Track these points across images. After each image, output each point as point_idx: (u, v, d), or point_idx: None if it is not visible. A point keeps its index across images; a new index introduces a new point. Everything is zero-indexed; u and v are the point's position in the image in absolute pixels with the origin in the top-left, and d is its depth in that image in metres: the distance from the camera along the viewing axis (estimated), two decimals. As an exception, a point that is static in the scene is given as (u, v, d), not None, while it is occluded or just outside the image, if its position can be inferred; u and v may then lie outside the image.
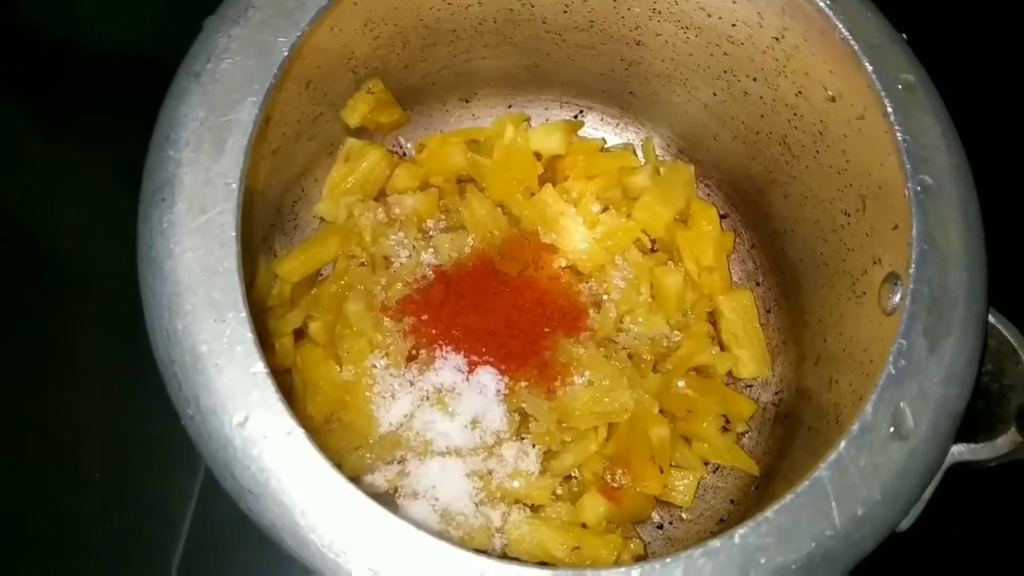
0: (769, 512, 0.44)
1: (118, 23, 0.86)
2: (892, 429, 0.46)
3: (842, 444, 0.45)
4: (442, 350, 0.65)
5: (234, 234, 0.46)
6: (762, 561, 0.43)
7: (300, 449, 0.43)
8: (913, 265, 0.49)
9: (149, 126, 0.50)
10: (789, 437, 0.67)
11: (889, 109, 0.52)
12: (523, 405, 0.65)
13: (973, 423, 0.49)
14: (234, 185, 0.47)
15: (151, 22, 0.86)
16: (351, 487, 0.43)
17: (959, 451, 0.48)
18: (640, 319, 0.70)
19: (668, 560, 0.43)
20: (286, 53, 0.50)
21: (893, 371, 0.47)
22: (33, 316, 0.76)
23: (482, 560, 0.42)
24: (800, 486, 0.45)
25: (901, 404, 0.46)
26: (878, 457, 0.45)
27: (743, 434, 0.71)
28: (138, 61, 0.84)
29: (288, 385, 0.66)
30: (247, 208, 0.58)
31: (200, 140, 0.48)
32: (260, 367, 0.44)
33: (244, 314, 0.45)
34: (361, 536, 0.43)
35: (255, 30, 0.50)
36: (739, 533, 0.44)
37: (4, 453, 0.71)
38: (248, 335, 0.45)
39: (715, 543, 0.43)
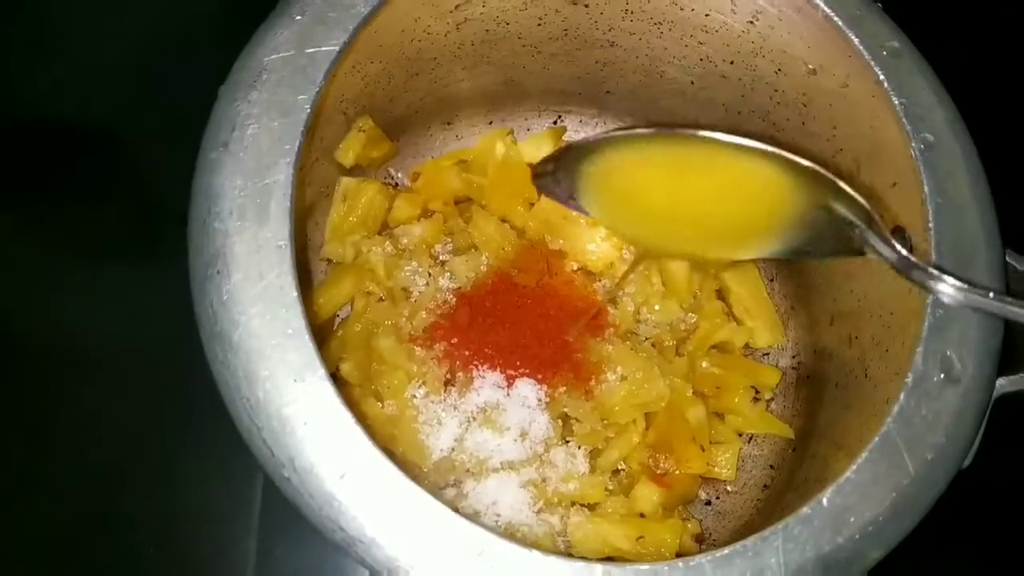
0: (849, 473, 0.47)
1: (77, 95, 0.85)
2: (943, 375, 0.49)
3: (901, 397, 0.48)
4: (478, 370, 0.67)
5: (295, 295, 0.47)
6: (852, 519, 0.46)
7: (406, 494, 0.44)
8: (931, 220, 0.52)
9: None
10: (816, 397, 0.70)
11: (881, 76, 0.55)
12: (565, 409, 0.67)
13: (1007, 357, 0.52)
14: (285, 247, 0.48)
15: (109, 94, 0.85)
16: (469, 524, 0.44)
17: (1001, 384, 0.52)
18: (656, 307, 0.72)
19: (767, 533, 0.45)
20: (308, 109, 0.51)
21: (933, 320, 0.50)
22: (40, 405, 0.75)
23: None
24: (871, 443, 0.48)
25: (948, 352, 0.49)
26: (936, 404, 0.49)
27: (770, 401, 0.74)
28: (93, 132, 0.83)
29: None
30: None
31: (243, 208, 0.48)
32: (349, 420, 0.45)
33: (322, 371, 0.46)
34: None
35: (273, 92, 0.51)
36: (826, 497, 0.46)
37: (54, 540, 0.70)
38: (330, 390, 0.45)
39: (806, 510, 0.46)
